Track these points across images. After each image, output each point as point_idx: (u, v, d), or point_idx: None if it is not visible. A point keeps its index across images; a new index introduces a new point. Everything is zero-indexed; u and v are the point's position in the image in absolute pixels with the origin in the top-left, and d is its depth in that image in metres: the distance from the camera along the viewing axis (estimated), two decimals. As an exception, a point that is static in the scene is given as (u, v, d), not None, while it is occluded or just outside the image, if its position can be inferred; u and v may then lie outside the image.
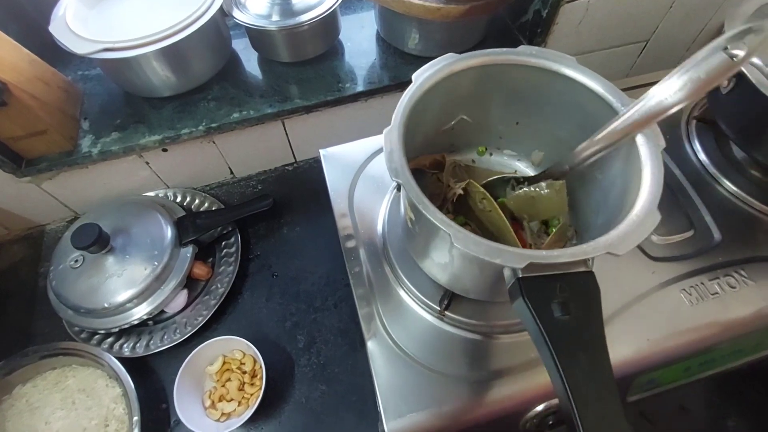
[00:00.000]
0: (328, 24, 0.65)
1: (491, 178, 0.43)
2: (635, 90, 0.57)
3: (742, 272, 0.46)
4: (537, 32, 0.66)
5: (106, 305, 0.58)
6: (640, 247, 0.48)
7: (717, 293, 0.45)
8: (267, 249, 0.68)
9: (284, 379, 0.58)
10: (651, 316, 0.44)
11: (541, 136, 0.44)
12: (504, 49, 0.38)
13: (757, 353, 0.49)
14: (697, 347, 0.44)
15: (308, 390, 0.57)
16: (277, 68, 0.70)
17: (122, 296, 0.58)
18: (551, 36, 0.67)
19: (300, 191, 0.73)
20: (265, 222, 0.70)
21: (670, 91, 0.31)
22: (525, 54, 0.38)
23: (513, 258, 0.27)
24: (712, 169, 0.54)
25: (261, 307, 0.64)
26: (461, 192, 0.40)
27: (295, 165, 0.77)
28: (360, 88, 0.67)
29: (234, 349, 0.58)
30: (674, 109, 0.31)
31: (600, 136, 0.35)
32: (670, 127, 0.58)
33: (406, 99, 0.35)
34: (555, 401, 0.41)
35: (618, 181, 0.35)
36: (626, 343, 0.43)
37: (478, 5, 0.53)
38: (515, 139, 0.47)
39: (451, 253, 0.34)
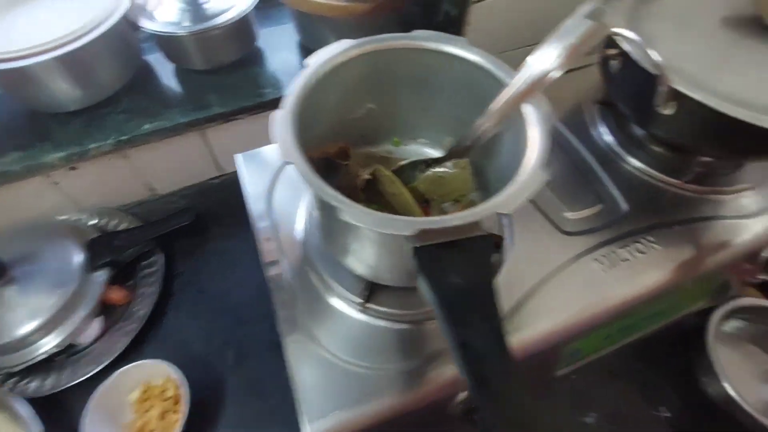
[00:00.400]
0: (242, 29, 0.65)
1: (401, 163, 0.43)
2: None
3: (650, 238, 0.48)
4: (452, 33, 0.68)
5: (6, 340, 0.52)
6: (554, 224, 0.49)
7: (627, 259, 0.47)
8: (193, 265, 0.64)
9: (215, 400, 0.54)
10: (568, 288, 0.45)
11: (448, 121, 0.45)
12: (398, 34, 0.39)
13: (674, 314, 0.52)
14: (614, 313, 0.45)
15: (241, 408, 0.53)
16: (194, 77, 0.68)
17: (25, 329, 0.53)
18: (466, 36, 0.70)
19: (227, 203, 0.70)
20: (190, 237, 0.67)
21: (547, 58, 0.33)
22: (419, 38, 0.39)
23: (403, 226, 0.27)
24: (617, 149, 0.57)
25: (187, 327, 0.59)
26: (368, 177, 0.39)
27: (221, 177, 0.74)
28: (282, 93, 0.66)
29: (155, 374, 0.53)
30: (554, 75, 0.33)
31: (492, 110, 0.36)
32: (577, 113, 0.61)
33: (298, 83, 0.35)
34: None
35: (514, 150, 0.36)
36: (546, 317, 0.43)
37: (383, 3, 0.54)
38: (426, 126, 0.48)
39: (355, 235, 0.34)
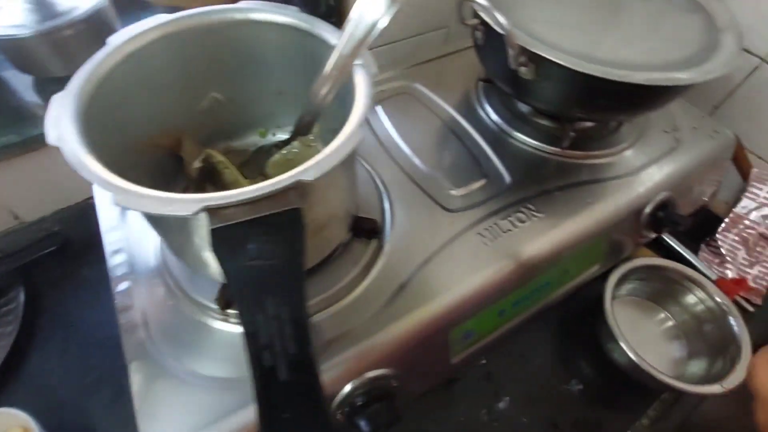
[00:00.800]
0: (99, 25, 0.59)
1: (251, 151, 0.39)
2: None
3: (531, 206, 0.47)
4: (333, 23, 0.66)
5: None
6: (437, 202, 0.47)
7: (510, 230, 0.45)
8: (62, 297, 0.57)
9: (86, 446, 0.46)
10: (450, 266, 0.42)
11: (302, 100, 0.42)
12: (221, 6, 0.35)
13: (568, 282, 0.51)
14: (500, 286, 0.43)
15: (118, 450, 0.46)
16: (56, 87, 0.61)
17: None
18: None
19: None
20: (60, 266, 0.59)
21: (371, 7, 0.30)
22: (245, 10, 0.36)
23: (183, 206, 0.23)
24: (503, 125, 0.56)
25: (55, 367, 0.52)
26: (201, 165, 0.35)
27: (99, 195, 0.67)
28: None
29: (7, 425, 0.46)
30: (382, 24, 0.30)
31: (324, 74, 0.33)
32: (464, 94, 0.60)
33: (89, 64, 0.30)
34: (362, 378, 0.37)
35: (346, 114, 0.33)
36: (431, 298, 0.40)
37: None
38: (288, 111, 0.44)
39: (173, 227, 0.29)
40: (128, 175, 0.25)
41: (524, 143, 0.54)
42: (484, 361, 0.53)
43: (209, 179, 0.37)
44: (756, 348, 0.46)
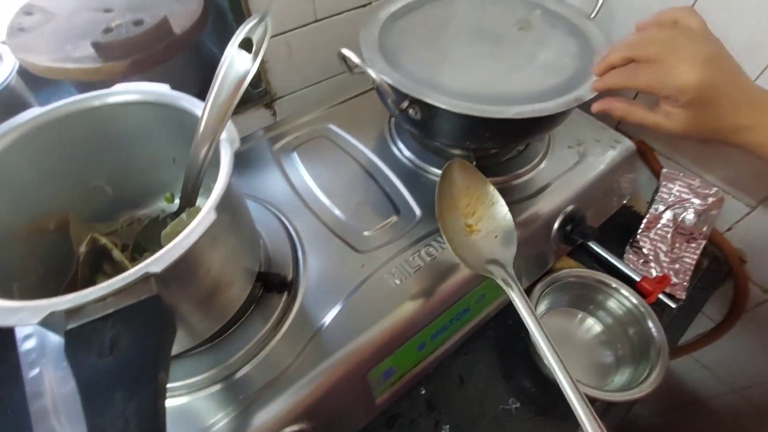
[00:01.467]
0: (8, 103, 0.59)
1: (145, 223, 0.40)
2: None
3: (440, 239, 0.49)
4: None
5: None
6: (349, 245, 0.48)
7: (419, 265, 0.47)
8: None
9: None
10: (364, 308, 0.43)
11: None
12: (93, 93, 0.37)
13: (487, 306, 0.52)
14: (414, 322, 0.44)
15: None
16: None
17: None
18: (269, 74, 0.70)
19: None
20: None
21: (239, 63, 0.32)
22: (118, 93, 0.37)
23: (28, 315, 0.23)
24: (416, 161, 0.57)
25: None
26: (86, 249, 0.36)
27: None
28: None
29: None
30: (249, 76, 0.32)
31: (194, 144, 0.34)
32: (378, 132, 0.62)
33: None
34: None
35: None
36: (342, 344, 0.41)
37: (141, 58, 0.52)
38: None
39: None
40: (16, 266, 0.25)
41: (436, 175, 0.56)
42: (423, 391, 0.54)
43: (103, 260, 0.37)
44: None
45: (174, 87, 0.64)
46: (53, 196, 0.38)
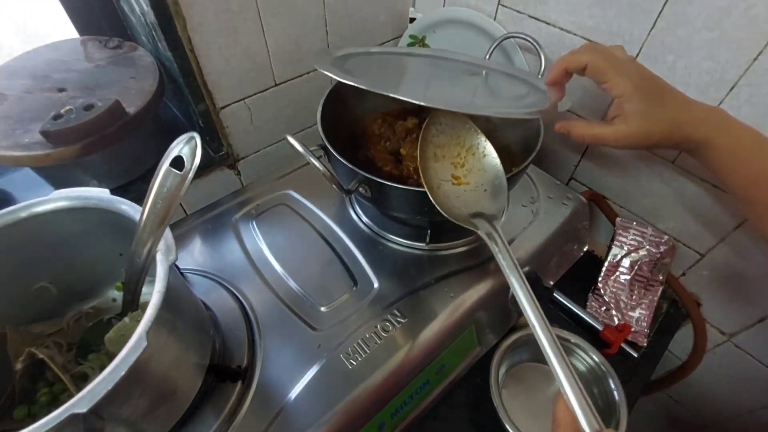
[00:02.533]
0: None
1: (88, 327, 0.39)
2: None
3: (396, 312, 0.49)
4: (209, 139, 0.68)
5: None
6: (306, 323, 0.48)
7: (376, 343, 0.47)
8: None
9: None
10: (320, 393, 0.43)
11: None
12: (26, 203, 0.36)
13: (448, 375, 0.52)
14: (372, 403, 0.44)
15: None
16: None
17: None
18: (231, 138, 0.71)
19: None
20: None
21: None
22: (56, 199, 0.37)
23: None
24: (374, 228, 0.58)
25: None
26: (22, 366, 0.35)
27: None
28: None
29: None
30: (186, 185, 0.32)
31: (131, 254, 0.34)
32: (337, 196, 0.63)
33: None
34: None
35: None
36: (303, 430, 0.40)
37: (92, 141, 0.52)
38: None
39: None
40: None
41: (394, 242, 0.57)
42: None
43: (45, 368, 0.36)
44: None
45: (131, 161, 0.64)
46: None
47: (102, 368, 0.36)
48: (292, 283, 0.52)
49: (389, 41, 0.83)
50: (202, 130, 0.67)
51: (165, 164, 0.31)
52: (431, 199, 0.42)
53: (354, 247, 0.56)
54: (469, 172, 0.47)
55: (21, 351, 0.36)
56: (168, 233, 0.34)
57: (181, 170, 0.31)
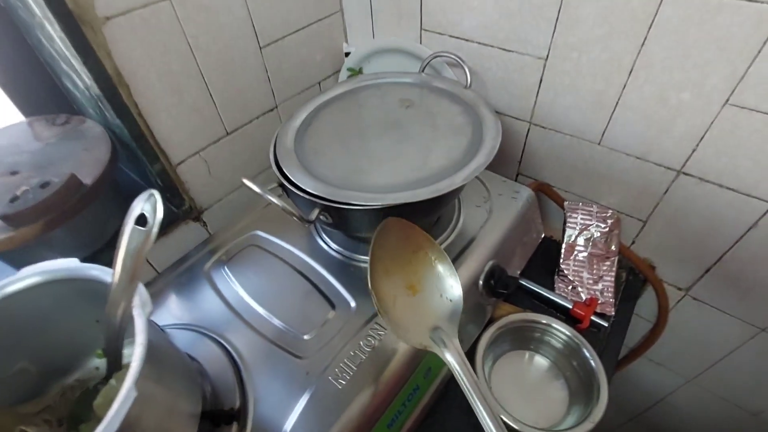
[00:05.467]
0: None
1: (77, 397, 0.39)
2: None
3: (376, 325, 0.51)
4: (170, 196, 0.70)
5: None
6: (292, 353, 0.50)
7: (361, 359, 0.49)
8: None
9: None
10: (315, 417, 0.44)
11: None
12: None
13: (437, 376, 0.54)
14: (367, 417, 0.45)
15: None
16: None
17: None
18: (192, 192, 0.72)
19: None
20: None
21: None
22: (26, 276, 0.38)
23: None
24: (344, 252, 0.61)
25: None
26: None
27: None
28: None
29: None
30: (150, 243, 0.33)
31: (107, 314, 0.35)
32: (304, 229, 0.65)
33: None
34: None
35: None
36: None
37: (53, 217, 0.53)
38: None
39: None
40: None
41: (365, 262, 0.59)
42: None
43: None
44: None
45: (95, 229, 0.65)
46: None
47: None
48: (273, 320, 0.53)
49: (329, 76, 0.88)
50: (161, 188, 0.68)
51: (129, 223, 0.33)
52: (387, 325, 0.41)
53: (327, 273, 0.58)
54: (422, 278, 0.47)
55: (12, 430, 0.36)
56: (141, 287, 0.35)
57: (145, 226, 0.33)
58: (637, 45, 0.54)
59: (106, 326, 0.36)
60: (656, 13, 0.51)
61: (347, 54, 0.86)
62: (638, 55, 0.55)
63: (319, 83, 0.87)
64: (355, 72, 0.84)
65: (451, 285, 0.48)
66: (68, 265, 0.38)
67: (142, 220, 0.34)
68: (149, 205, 0.33)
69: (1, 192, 0.56)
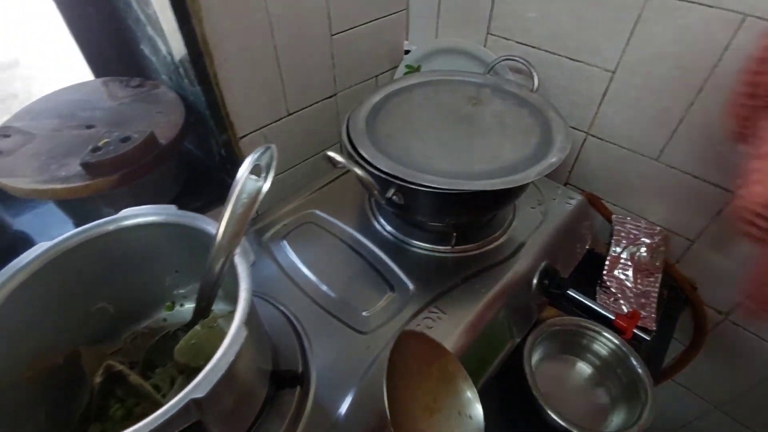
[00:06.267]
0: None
1: (156, 340, 0.40)
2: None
3: (435, 309, 0.52)
4: (229, 168, 0.71)
5: None
6: (352, 327, 0.50)
7: (422, 339, 0.49)
8: None
9: None
10: (375, 391, 0.44)
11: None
12: (102, 221, 0.38)
13: (487, 368, 0.55)
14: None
15: None
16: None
17: None
18: (248, 166, 0.74)
19: None
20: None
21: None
22: (127, 217, 0.39)
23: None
24: (398, 235, 0.62)
25: None
26: (101, 379, 0.36)
27: None
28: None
29: None
30: (264, 189, 0.34)
31: (209, 262, 0.36)
32: (360, 210, 0.67)
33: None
34: None
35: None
36: (366, 428, 0.42)
37: (129, 171, 0.54)
38: (189, 283, 0.47)
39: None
40: (23, 409, 0.25)
41: (420, 248, 0.60)
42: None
43: (116, 385, 0.37)
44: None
45: (157, 192, 0.67)
46: (59, 327, 0.38)
47: (172, 382, 0.37)
48: (332, 293, 0.54)
49: (386, 71, 0.90)
50: (223, 159, 0.70)
51: (244, 173, 0.34)
52: None
53: (383, 254, 0.59)
54: (438, 396, 0.43)
55: (96, 366, 0.36)
56: (245, 241, 0.36)
57: (259, 177, 0.34)
58: (710, 65, 0.56)
59: (204, 274, 0.37)
60: (733, 37, 0.53)
61: (406, 51, 0.88)
62: (710, 76, 0.57)
63: (376, 77, 0.89)
64: (413, 69, 0.86)
65: (468, 398, 0.43)
66: (169, 211, 0.39)
67: (256, 171, 0.35)
68: (266, 157, 0.35)
69: (76, 143, 0.58)
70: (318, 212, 0.66)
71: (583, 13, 0.62)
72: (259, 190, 0.34)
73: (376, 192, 0.48)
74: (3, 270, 0.33)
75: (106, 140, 0.55)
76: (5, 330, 0.33)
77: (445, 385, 0.43)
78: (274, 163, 0.35)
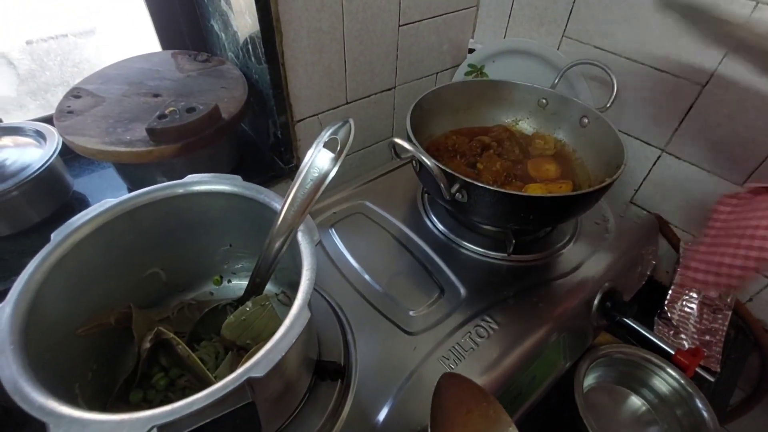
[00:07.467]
0: (48, 182, 0.59)
1: (205, 312, 0.39)
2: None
3: (488, 318, 0.49)
4: (282, 151, 0.71)
5: None
6: (398, 326, 0.48)
7: (472, 348, 0.46)
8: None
9: None
10: (421, 396, 0.42)
11: (252, 249, 0.43)
12: (167, 183, 0.38)
13: (538, 388, 0.51)
14: (472, 411, 0.43)
15: None
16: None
17: None
18: (300, 151, 0.73)
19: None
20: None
21: (321, 161, 0.33)
22: (190, 183, 0.38)
23: (133, 426, 0.22)
24: (450, 235, 0.59)
25: None
26: (150, 345, 0.34)
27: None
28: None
29: None
30: (332, 174, 0.33)
31: (269, 238, 0.34)
32: (412, 207, 0.64)
33: (31, 267, 0.30)
34: None
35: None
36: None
37: (191, 141, 0.54)
38: (239, 259, 0.46)
39: None
40: (75, 365, 0.24)
41: (473, 251, 0.57)
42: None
43: (162, 352, 0.36)
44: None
45: (213, 165, 0.66)
46: (112, 287, 0.37)
47: (216, 356, 0.36)
48: (379, 288, 0.52)
49: (447, 69, 0.87)
50: (278, 141, 0.69)
51: (319, 146, 0.33)
52: None
53: (434, 254, 0.56)
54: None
55: (145, 332, 0.36)
56: (308, 217, 0.34)
57: (334, 152, 0.32)
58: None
59: (263, 250, 0.35)
60: None
61: (470, 50, 0.85)
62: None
63: (437, 74, 0.86)
64: (476, 69, 0.83)
65: None
66: (235, 181, 0.38)
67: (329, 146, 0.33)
68: (343, 131, 0.33)
69: (143, 109, 0.59)
70: (369, 204, 0.64)
71: (678, 20, 0.58)
72: (332, 166, 0.33)
73: (442, 186, 0.45)
74: (74, 218, 0.33)
75: (172, 108, 0.55)
76: (67, 281, 0.32)
77: (491, 427, 0.39)
78: (351, 139, 0.33)
